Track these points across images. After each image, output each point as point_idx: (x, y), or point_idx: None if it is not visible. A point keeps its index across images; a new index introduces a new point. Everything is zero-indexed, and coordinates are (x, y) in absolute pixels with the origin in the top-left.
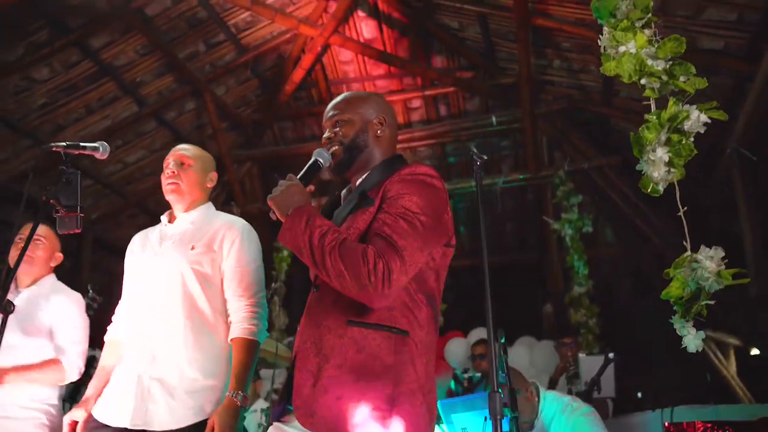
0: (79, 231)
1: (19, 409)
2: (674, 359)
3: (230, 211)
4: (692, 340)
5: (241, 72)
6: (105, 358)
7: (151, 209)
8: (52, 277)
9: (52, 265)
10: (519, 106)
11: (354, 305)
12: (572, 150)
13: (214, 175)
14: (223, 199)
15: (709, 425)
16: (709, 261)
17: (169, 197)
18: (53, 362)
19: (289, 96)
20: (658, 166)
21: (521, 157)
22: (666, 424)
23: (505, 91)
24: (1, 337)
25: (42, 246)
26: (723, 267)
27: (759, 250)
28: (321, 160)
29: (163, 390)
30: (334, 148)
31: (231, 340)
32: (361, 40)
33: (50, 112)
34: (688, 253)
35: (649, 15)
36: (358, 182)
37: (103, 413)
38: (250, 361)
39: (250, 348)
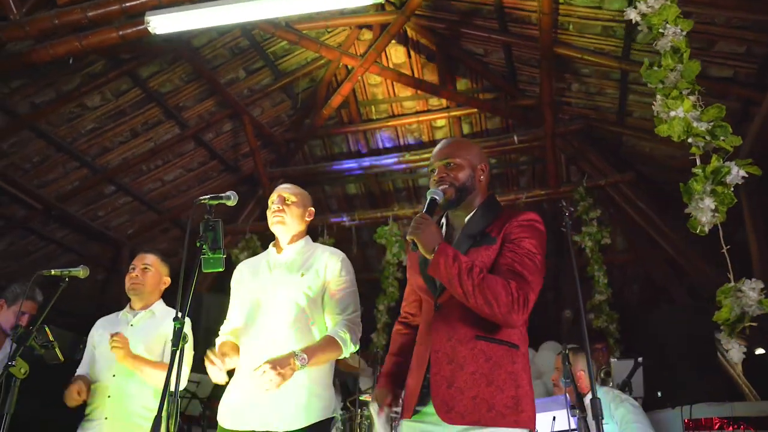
0: (223, 270)
1: (140, 417)
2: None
3: (266, 226)
4: (736, 352)
5: (276, 95)
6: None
7: (183, 224)
8: (161, 302)
9: (161, 288)
10: (538, 126)
11: (479, 323)
12: (589, 166)
13: (311, 211)
14: (258, 213)
15: (725, 421)
16: (752, 291)
17: (274, 229)
18: (164, 366)
19: (325, 119)
20: (706, 213)
21: (538, 172)
22: (686, 420)
23: (525, 112)
24: None
25: (150, 273)
26: (764, 296)
27: (764, 259)
28: (438, 198)
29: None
30: (445, 187)
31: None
32: (390, 65)
33: (98, 136)
34: (732, 283)
35: (694, 84)
36: (466, 219)
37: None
38: (328, 351)
39: (333, 345)
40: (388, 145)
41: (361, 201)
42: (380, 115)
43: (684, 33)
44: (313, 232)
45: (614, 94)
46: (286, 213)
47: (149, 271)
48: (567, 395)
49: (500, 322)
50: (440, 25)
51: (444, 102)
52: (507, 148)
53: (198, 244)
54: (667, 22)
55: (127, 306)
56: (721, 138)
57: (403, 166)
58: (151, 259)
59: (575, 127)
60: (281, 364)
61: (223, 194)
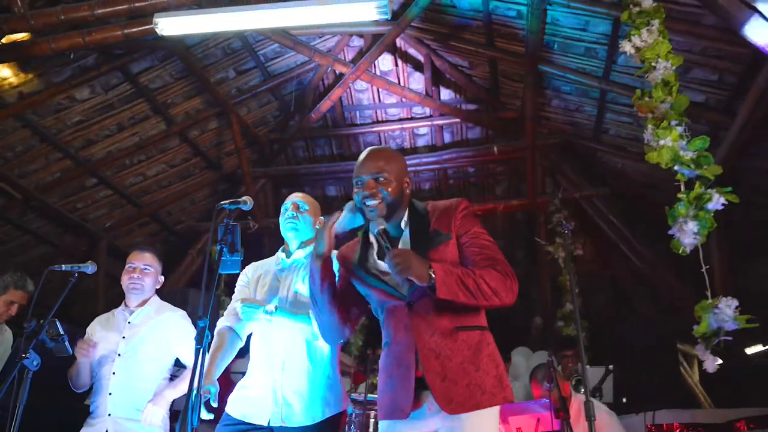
0: (239, 272)
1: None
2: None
3: (248, 226)
4: (711, 363)
5: (263, 95)
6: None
7: (161, 218)
8: (156, 297)
9: (158, 286)
10: (517, 138)
11: (455, 314)
12: (564, 179)
13: (321, 220)
14: (238, 213)
15: (685, 427)
16: (728, 308)
17: (287, 235)
18: (183, 372)
19: (313, 122)
20: (688, 235)
21: (514, 182)
22: (648, 425)
23: (506, 124)
24: None
25: (150, 274)
26: (738, 313)
27: (726, 269)
28: (383, 227)
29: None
30: (376, 203)
31: None
32: (378, 72)
33: (84, 129)
34: (710, 300)
35: (682, 117)
36: (403, 226)
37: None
38: None
39: None
40: None
41: (340, 203)
42: (365, 120)
43: (674, 68)
44: None
45: (592, 111)
46: (299, 220)
47: (149, 272)
48: (551, 399)
49: (503, 305)
50: (429, 37)
51: (427, 110)
52: (486, 158)
53: (218, 248)
54: (659, 57)
55: (122, 304)
56: (704, 167)
57: None
58: (150, 259)
59: (553, 141)
60: None
61: (240, 199)
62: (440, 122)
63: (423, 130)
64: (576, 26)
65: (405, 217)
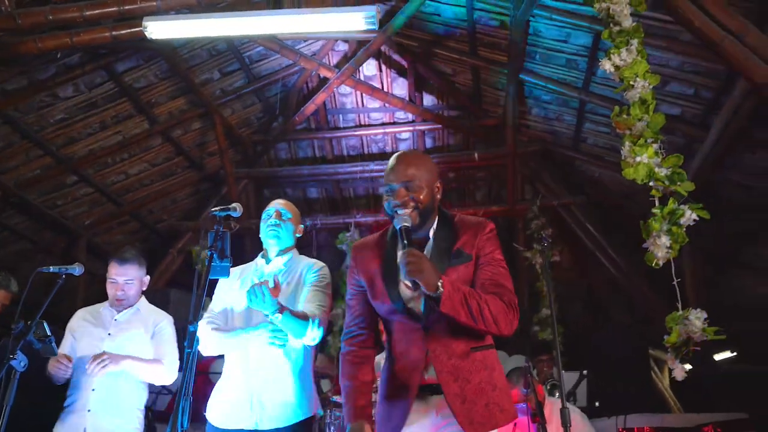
0: (227, 277)
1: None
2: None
3: (229, 227)
4: (680, 371)
5: (247, 97)
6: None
7: (141, 217)
8: (144, 299)
9: (143, 289)
10: (498, 145)
11: (469, 336)
12: (543, 187)
13: (301, 228)
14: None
15: (654, 430)
16: (697, 320)
17: (269, 241)
18: (157, 362)
19: (297, 124)
20: (662, 249)
21: (494, 188)
22: (620, 429)
23: (487, 131)
24: None
25: (132, 286)
26: (706, 325)
27: (699, 278)
28: (408, 226)
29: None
30: (408, 212)
31: None
32: (362, 76)
33: (66, 126)
34: (680, 312)
35: (658, 135)
36: (431, 238)
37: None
38: (303, 322)
39: (304, 318)
40: (352, 153)
41: (321, 206)
42: (348, 123)
43: (651, 87)
44: None
45: (571, 121)
46: (282, 228)
47: (132, 285)
48: (528, 404)
49: (501, 335)
50: (414, 44)
51: (410, 115)
52: (467, 164)
53: (208, 253)
54: (637, 76)
55: (108, 301)
56: (678, 183)
57: (366, 174)
58: (132, 272)
59: (533, 149)
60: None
61: (230, 206)
62: (422, 127)
63: (405, 135)
64: (558, 38)
65: (434, 227)
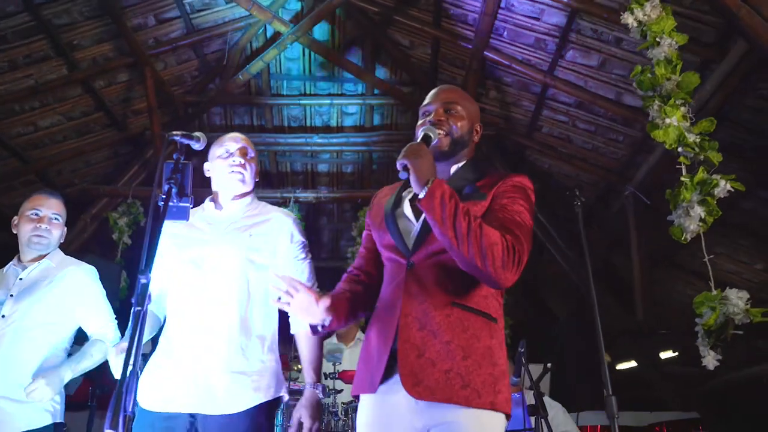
0: (187, 221)
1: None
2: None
3: (149, 192)
4: (711, 359)
5: (183, 51)
6: None
7: (49, 177)
8: (58, 251)
9: (62, 241)
10: None
11: (456, 288)
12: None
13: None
14: (144, 176)
15: (607, 429)
16: (740, 300)
17: (230, 184)
18: (98, 346)
19: (236, 88)
20: (694, 221)
21: None
22: None
23: None
24: None
25: (58, 224)
26: (749, 306)
27: (645, 279)
28: (433, 138)
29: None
30: (441, 134)
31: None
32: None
33: None
34: (714, 292)
35: (688, 96)
36: (452, 170)
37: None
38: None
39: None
40: (293, 124)
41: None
42: (291, 92)
43: (677, 45)
44: None
45: (529, 107)
46: (246, 168)
47: (58, 222)
48: (523, 395)
49: (491, 278)
50: (373, 9)
51: (359, 89)
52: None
53: (165, 187)
54: (664, 33)
55: (15, 258)
56: (708, 151)
57: (308, 148)
58: (58, 206)
59: (485, 134)
60: None
61: (193, 134)
62: (372, 102)
63: (352, 109)
64: (530, 14)
65: (460, 165)
